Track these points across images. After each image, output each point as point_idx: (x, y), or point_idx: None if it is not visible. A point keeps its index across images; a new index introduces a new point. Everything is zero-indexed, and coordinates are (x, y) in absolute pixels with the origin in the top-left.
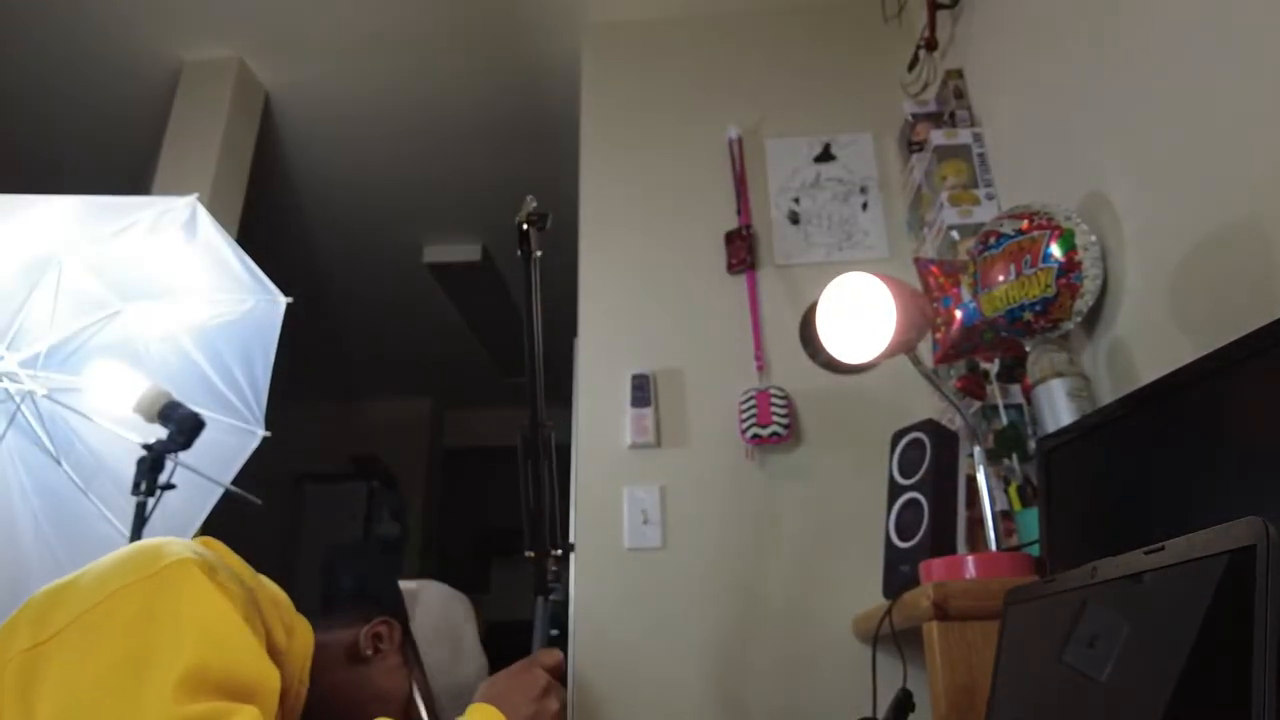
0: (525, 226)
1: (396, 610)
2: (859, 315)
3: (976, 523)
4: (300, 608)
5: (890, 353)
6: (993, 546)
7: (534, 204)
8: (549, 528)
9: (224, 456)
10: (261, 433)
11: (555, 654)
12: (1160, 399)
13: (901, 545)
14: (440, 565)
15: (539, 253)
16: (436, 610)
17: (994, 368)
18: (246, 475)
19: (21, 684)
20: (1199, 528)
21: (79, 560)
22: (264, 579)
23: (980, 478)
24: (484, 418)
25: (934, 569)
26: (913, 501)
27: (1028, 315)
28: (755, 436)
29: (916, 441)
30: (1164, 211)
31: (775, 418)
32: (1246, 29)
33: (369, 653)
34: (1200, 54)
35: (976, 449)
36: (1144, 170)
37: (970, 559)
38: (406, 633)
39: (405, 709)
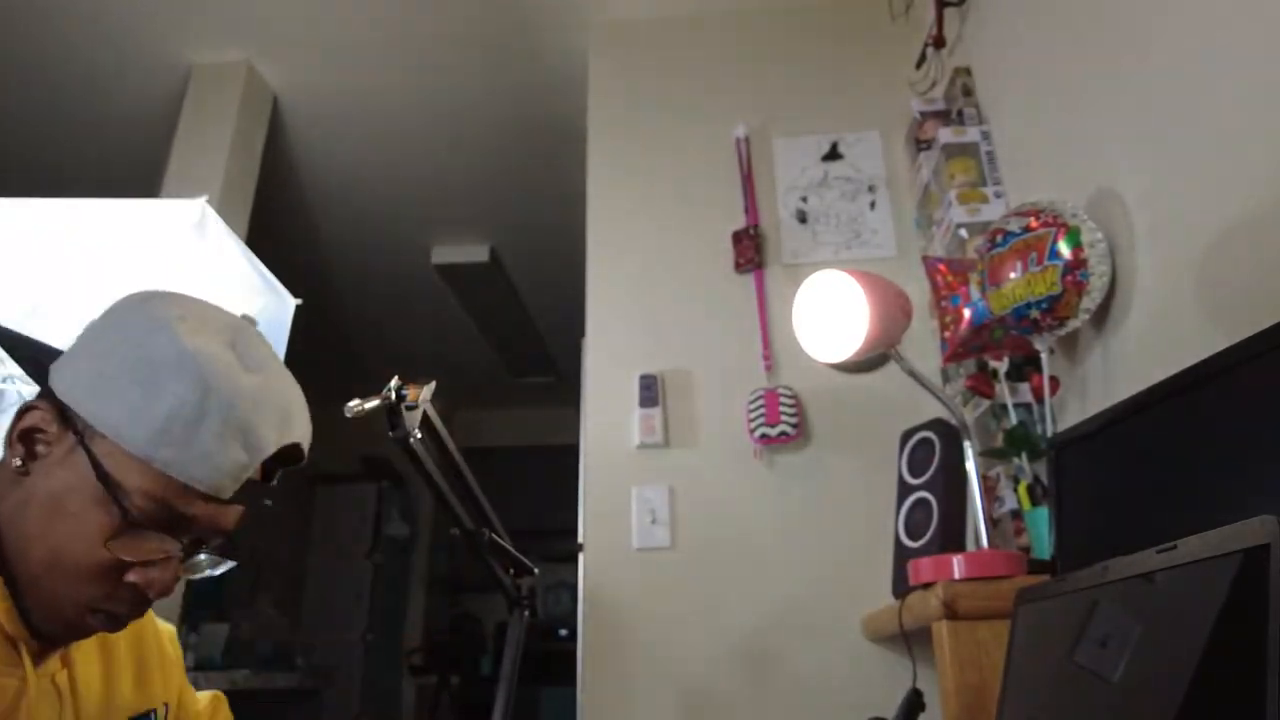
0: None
1: (45, 387)
2: (833, 313)
3: (994, 521)
4: (307, 608)
5: (868, 348)
6: (984, 544)
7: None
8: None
9: None
10: None
11: None
12: (1172, 396)
13: (911, 545)
14: (449, 566)
15: (417, 434)
16: (122, 333)
17: (1003, 366)
18: None
19: None
20: (1211, 526)
21: None
22: None
23: (971, 473)
24: (494, 418)
25: (922, 568)
26: (922, 501)
27: (1034, 313)
28: (764, 436)
29: (925, 441)
30: (1176, 207)
31: (784, 417)
32: (1258, 18)
33: (22, 461)
34: (1212, 46)
35: (966, 444)
36: (1155, 166)
37: (958, 558)
38: (63, 408)
39: (96, 497)
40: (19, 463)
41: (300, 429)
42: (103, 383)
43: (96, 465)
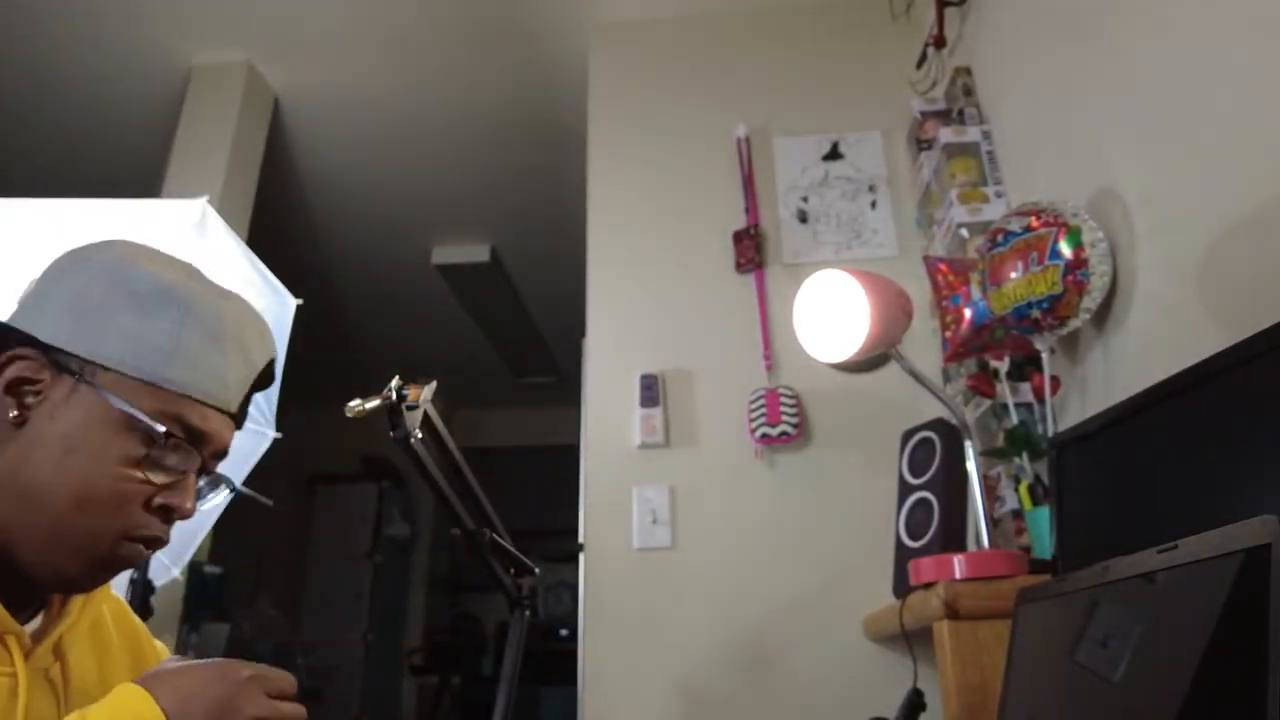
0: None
1: (23, 335)
2: (834, 313)
3: (995, 521)
4: (308, 608)
5: (869, 347)
6: (985, 543)
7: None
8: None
9: (235, 458)
10: (272, 434)
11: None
12: (1173, 396)
13: (912, 545)
14: (450, 566)
15: (418, 434)
16: (92, 272)
17: (1004, 366)
18: (258, 476)
19: None
20: (1212, 526)
21: None
22: None
23: (971, 473)
24: (494, 418)
25: (923, 568)
26: (923, 500)
27: (1035, 313)
28: (764, 436)
29: (926, 441)
30: (1177, 207)
31: (784, 417)
32: (1259, 18)
33: (17, 412)
34: (1212, 46)
35: (967, 444)
36: (1156, 167)
37: (959, 557)
38: (50, 351)
39: (115, 428)
40: (14, 413)
41: (272, 344)
42: (90, 319)
43: (111, 397)
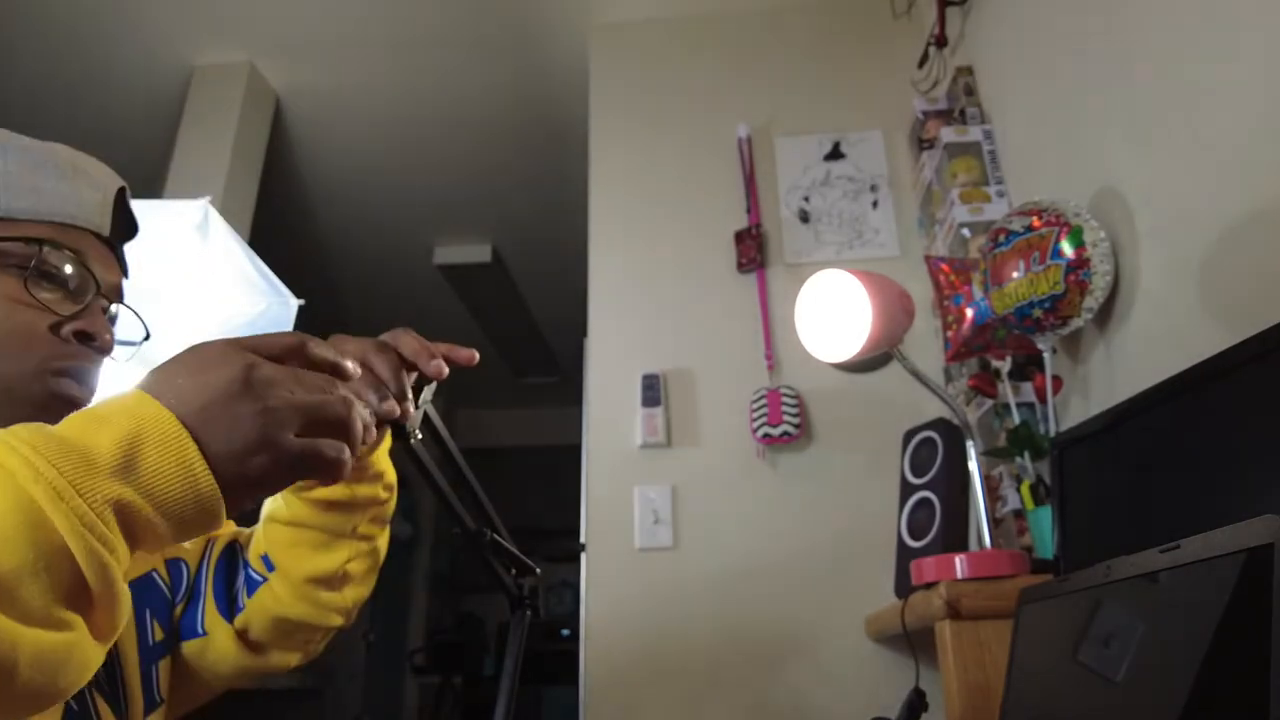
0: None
1: None
2: (836, 313)
3: (997, 521)
4: None
5: (870, 347)
6: (987, 543)
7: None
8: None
9: None
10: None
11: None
12: (1175, 396)
13: (913, 545)
14: (450, 566)
15: (419, 434)
16: None
17: (1006, 366)
18: None
19: None
20: (1215, 525)
21: None
22: None
23: (973, 473)
24: (496, 417)
25: (924, 568)
26: (925, 501)
27: (1037, 312)
28: (766, 436)
29: (928, 440)
30: (1179, 207)
31: (786, 417)
32: (1260, 18)
33: None
34: (1215, 46)
35: (969, 444)
36: (1158, 166)
37: (961, 557)
38: None
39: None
40: None
41: (114, 174)
42: None
43: None
